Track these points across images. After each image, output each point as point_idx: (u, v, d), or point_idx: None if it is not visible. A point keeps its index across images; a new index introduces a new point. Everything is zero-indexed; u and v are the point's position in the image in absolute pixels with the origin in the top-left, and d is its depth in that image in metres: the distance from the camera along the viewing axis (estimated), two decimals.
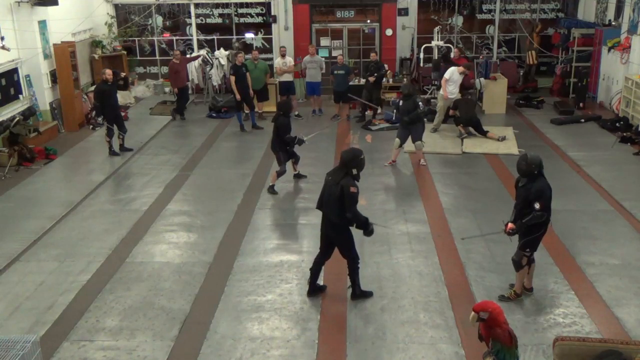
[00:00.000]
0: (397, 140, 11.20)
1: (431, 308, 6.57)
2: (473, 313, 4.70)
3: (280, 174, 10.05)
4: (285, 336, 6.16)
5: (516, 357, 4.79)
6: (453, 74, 12.96)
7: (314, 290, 6.88)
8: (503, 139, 12.55)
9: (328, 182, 6.53)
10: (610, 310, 6.50)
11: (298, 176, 10.60)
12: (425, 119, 11.45)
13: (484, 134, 12.79)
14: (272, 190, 10.03)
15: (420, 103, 11.11)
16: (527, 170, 6.31)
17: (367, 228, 6.49)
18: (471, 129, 13.00)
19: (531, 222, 6.28)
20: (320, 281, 7.09)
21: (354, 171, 6.39)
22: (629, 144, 12.13)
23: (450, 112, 13.09)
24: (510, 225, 6.46)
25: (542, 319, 6.37)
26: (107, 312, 6.61)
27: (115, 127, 12.20)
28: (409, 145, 11.31)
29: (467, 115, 12.94)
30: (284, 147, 10.04)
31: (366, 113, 14.49)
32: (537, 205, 6.21)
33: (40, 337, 5.16)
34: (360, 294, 6.77)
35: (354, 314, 6.50)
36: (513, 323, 5.81)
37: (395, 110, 12.44)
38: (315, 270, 6.86)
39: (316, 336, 6.15)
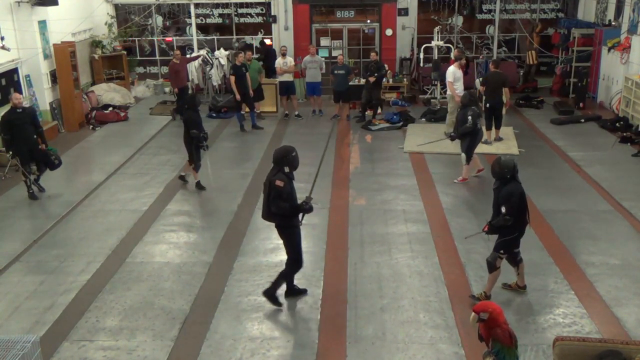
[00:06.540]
0: (463, 155, 10.27)
1: (431, 308, 6.57)
2: (473, 314, 4.70)
3: (196, 169, 10.21)
4: (285, 336, 6.17)
5: (516, 357, 4.79)
6: (455, 72, 12.59)
7: (294, 292, 6.84)
8: (487, 142, 12.07)
9: (265, 181, 6.55)
10: (610, 310, 6.50)
11: (199, 186, 10.29)
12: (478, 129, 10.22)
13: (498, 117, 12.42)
14: (183, 179, 10.48)
15: (469, 117, 9.78)
16: (499, 173, 6.39)
17: (300, 208, 6.44)
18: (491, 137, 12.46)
19: (497, 224, 6.37)
20: (320, 282, 7.11)
21: (286, 169, 6.40)
22: (629, 144, 12.13)
23: (481, 88, 12.47)
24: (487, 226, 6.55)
25: (542, 319, 6.37)
26: (107, 312, 6.61)
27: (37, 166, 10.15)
28: (409, 145, 11.23)
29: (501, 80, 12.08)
30: (193, 142, 9.98)
31: (366, 113, 14.48)
32: (502, 209, 6.30)
33: (40, 337, 5.15)
34: (270, 295, 6.66)
35: (354, 314, 6.50)
36: (513, 323, 5.80)
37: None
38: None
39: (316, 336, 6.15)
